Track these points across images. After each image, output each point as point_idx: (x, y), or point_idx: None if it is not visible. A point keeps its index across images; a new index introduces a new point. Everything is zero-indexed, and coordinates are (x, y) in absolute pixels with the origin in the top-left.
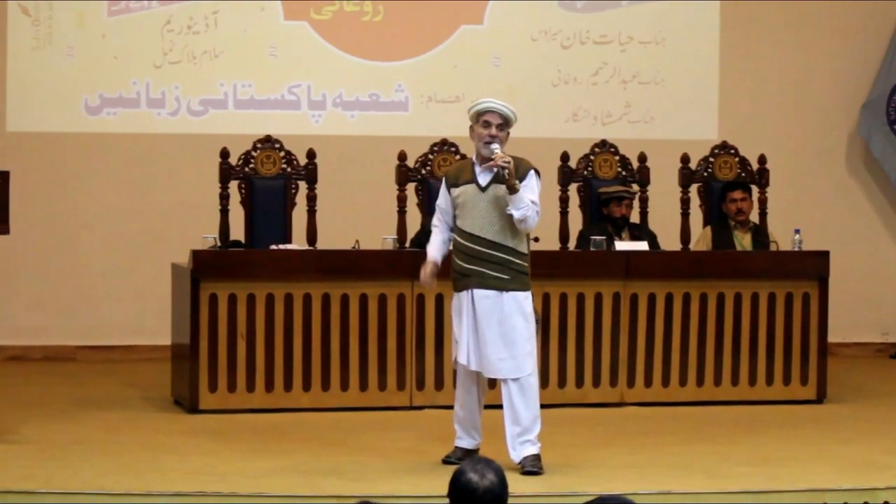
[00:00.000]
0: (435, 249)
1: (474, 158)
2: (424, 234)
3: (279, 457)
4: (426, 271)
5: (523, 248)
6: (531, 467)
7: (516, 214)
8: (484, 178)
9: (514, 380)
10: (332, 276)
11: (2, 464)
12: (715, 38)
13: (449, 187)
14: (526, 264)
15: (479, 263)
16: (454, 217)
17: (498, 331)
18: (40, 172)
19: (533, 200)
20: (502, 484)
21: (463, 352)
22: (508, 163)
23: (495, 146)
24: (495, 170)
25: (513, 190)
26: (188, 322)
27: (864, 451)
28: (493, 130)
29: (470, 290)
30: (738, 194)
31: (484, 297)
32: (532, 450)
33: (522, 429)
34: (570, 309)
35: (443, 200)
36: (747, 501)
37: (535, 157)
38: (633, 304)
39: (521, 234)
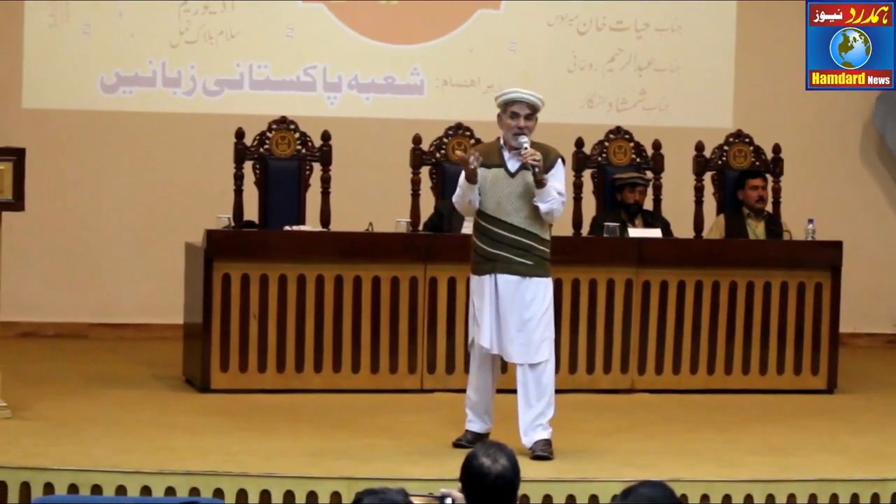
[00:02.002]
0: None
1: (502, 142)
2: (438, 218)
3: (290, 437)
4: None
5: (546, 236)
6: (542, 452)
7: (543, 207)
8: (513, 165)
9: (531, 365)
10: (345, 258)
11: (14, 440)
12: (731, 26)
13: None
14: (548, 251)
15: (504, 248)
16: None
17: (518, 316)
18: (56, 150)
19: (559, 191)
20: (514, 469)
21: (486, 335)
22: (539, 161)
23: (524, 140)
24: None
25: (541, 184)
26: (201, 301)
27: (874, 442)
28: (522, 122)
29: (494, 275)
30: (759, 182)
31: (507, 282)
32: (543, 435)
33: (535, 414)
34: (582, 295)
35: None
36: (757, 490)
37: (549, 142)
38: (646, 290)
39: (545, 222)
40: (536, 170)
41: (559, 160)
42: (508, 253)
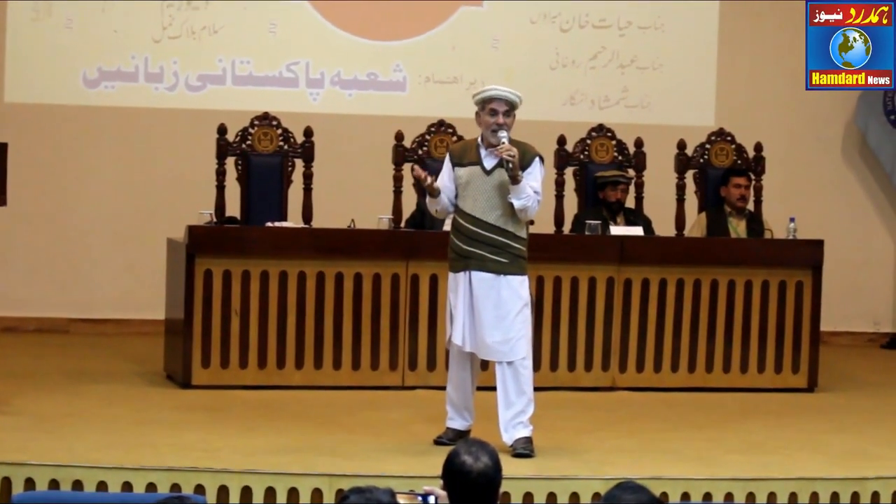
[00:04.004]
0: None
1: (479, 140)
2: (420, 214)
3: (271, 434)
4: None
5: (522, 234)
6: (522, 450)
7: (517, 204)
8: (489, 162)
9: (509, 363)
10: (326, 255)
11: None
12: (713, 24)
13: (454, 165)
14: (524, 249)
15: (479, 246)
16: (455, 196)
17: (494, 314)
18: (38, 144)
19: (535, 189)
20: (496, 467)
21: (458, 332)
22: (513, 156)
23: (503, 135)
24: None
25: (515, 181)
26: (182, 297)
27: (854, 441)
28: (500, 119)
29: (468, 272)
30: (743, 181)
31: (481, 279)
32: (524, 432)
33: (515, 412)
34: (563, 292)
35: (446, 175)
36: (737, 489)
37: (531, 140)
38: (627, 288)
39: (522, 220)
40: (510, 165)
41: (537, 159)
42: (482, 250)
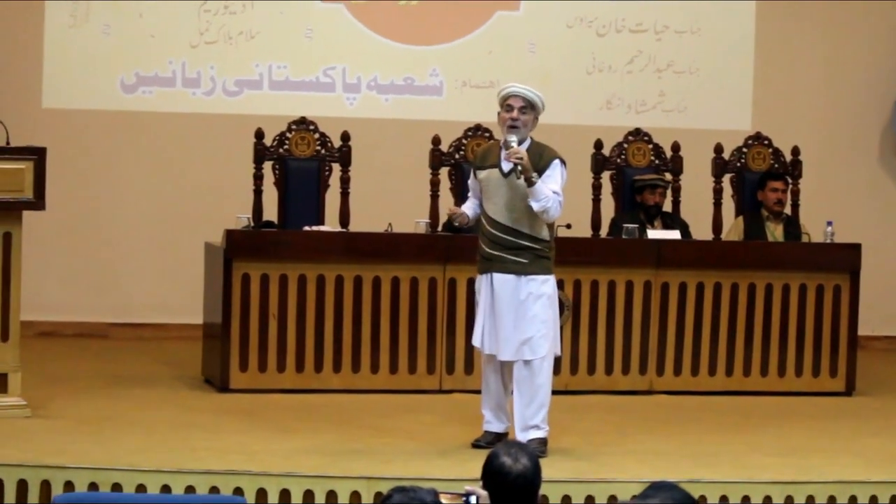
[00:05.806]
0: (466, 206)
1: (501, 143)
2: None
3: (309, 437)
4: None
5: (544, 234)
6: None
7: (535, 207)
8: (507, 165)
9: (526, 362)
10: (364, 259)
11: (33, 438)
12: (750, 29)
13: (475, 170)
14: (547, 249)
15: (499, 248)
16: (481, 199)
17: (514, 314)
18: (75, 150)
19: (555, 191)
20: (535, 468)
21: (477, 334)
22: (521, 159)
23: (512, 139)
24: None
25: (530, 183)
26: (220, 301)
27: (892, 444)
28: (515, 113)
29: (490, 274)
30: (780, 184)
31: (503, 281)
32: (538, 434)
33: (530, 414)
34: (601, 296)
35: (472, 181)
36: (775, 491)
37: (568, 144)
38: (664, 292)
39: (542, 221)
40: (519, 168)
41: (556, 160)
42: (503, 252)
